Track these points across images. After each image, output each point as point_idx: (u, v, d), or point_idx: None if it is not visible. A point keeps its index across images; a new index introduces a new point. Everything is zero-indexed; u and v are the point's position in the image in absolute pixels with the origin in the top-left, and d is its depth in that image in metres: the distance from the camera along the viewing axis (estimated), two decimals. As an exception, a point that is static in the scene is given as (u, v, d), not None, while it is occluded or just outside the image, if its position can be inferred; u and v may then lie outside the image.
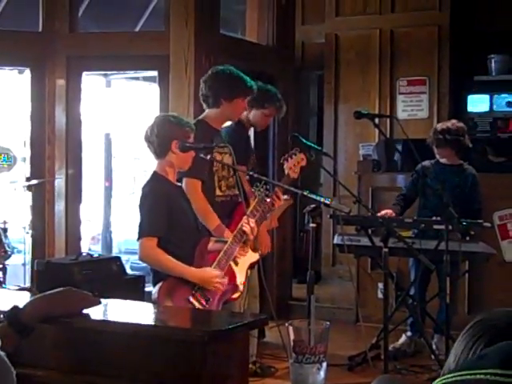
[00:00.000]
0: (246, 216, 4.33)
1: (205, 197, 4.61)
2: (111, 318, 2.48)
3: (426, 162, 5.87)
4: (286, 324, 2.22)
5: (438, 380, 1.10)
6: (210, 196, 4.67)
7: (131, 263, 8.86)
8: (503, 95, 7.67)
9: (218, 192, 4.78)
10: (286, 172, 4.81)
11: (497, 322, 1.28)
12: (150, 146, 4.14)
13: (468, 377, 1.03)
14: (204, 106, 4.90)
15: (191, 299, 4.03)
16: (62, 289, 2.44)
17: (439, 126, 5.86)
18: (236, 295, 4.44)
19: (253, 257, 4.59)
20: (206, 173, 4.65)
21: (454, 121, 6.04)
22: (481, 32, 7.87)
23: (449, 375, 1.07)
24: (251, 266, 4.73)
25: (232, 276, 4.34)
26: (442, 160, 5.88)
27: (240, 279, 4.43)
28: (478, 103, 7.79)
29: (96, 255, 6.38)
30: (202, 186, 4.63)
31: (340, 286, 7.66)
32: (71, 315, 2.25)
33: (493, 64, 7.81)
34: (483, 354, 1.07)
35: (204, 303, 4.08)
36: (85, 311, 2.29)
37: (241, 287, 4.49)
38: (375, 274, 6.56)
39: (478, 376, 1.02)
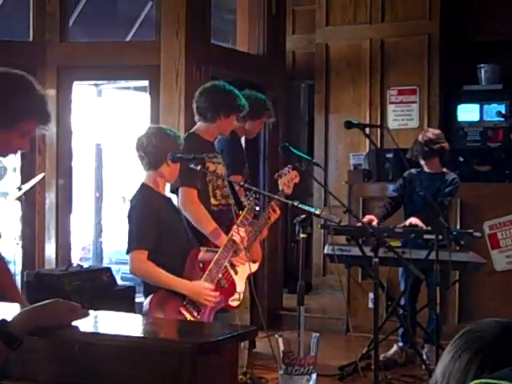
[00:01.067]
0: (235, 226, 4.34)
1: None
2: (100, 329, 2.46)
3: (413, 170, 5.91)
4: (276, 335, 2.21)
5: (475, 382, 1.08)
6: (205, 205, 4.70)
7: (122, 274, 8.82)
8: (493, 105, 7.70)
9: (213, 201, 4.80)
10: (281, 188, 4.83)
11: (483, 334, 1.31)
12: (144, 157, 4.14)
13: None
14: (197, 118, 4.91)
15: (182, 311, 4.03)
16: (50, 300, 2.43)
17: (422, 139, 5.86)
18: (235, 303, 4.45)
19: (252, 267, 4.59)
20: (200, 182, 4.67)
21: (430, 129, 6.12)
22: (470, 41, 7.91)
23: (481, 380, 1.06)
24: (249, 277, 4.73)
25: (231, 284, 4.35)
26: (428, 170, 5.91)
27: (240, 288, 4.44)
28: (467, 113, 7.83)
29: (86, 266, 6.36)
30: (198, 195, 4.66)
31: (331, 296, 7.66)
32: (60, 327, 2.24)
33: (482, 73, 7.85)
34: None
35: (195, 314, 4.08)
36: (74, 323, 2.28)
37: (240, 296, 4.50)
38: (366, 283, 6.55)
39: None
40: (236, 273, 4.51)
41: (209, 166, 4.65)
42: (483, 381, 1.08)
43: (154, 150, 4.09)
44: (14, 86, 2.48)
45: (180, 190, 4.63)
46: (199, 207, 4.63)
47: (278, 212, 4.83)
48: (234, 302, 4.47)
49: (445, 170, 5.96)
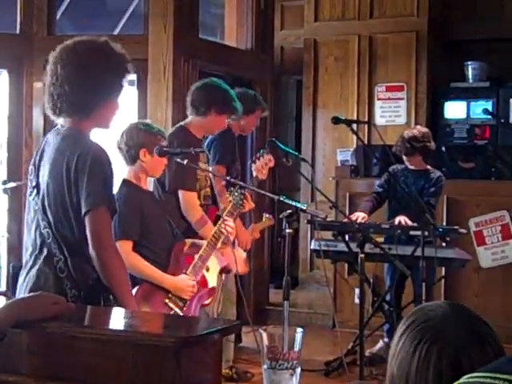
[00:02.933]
0: (222, 219, 4.35)
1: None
2: (82, 322, 2.46)
3: (398, 166, 5.92)
4: (260, 330, 2.22)
5: (466, 376, 1.09)
6: None
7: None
8: (480, 102, 7.73)
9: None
10: (254, 174, 4.86)
11: (433, 323, 1.35)
12: (121, 153, 4.17)
13: (489, 380, 1.02)
14: (190, 111, 4.94)
15: (169, 303, 4.04)
16: (34, 293, 2.43)
17: (406, 135, 5.87)
18: (208, 301, 4.45)
19: (221, 261, 4.61)
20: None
21: (418, 127, 6.13)
22: (458, 39, 7.94)
23: (475, 374, 1.06)
24: (226, 271, 4.73)
25: (203, 282, 4.34)
26: (411, 166, 5.93)
27: (211, 284, 4.44)
28: (454, 110, 7.85)
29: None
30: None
31: (317, 292, 7.67)
32: (43, 320, 2.24)
33: (470, 71, 7.87)
34: (510, 358, 1.06)
35: (182, 305, 4.08)
36: (57, 316, 2.28)
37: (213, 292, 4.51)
38: (352, 279, 6.57)
39: (496, 381, 1.01)
40: (207, 270, 4.52)
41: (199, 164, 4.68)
42: (475, 375, 1.08)
43: (125, 146, 4.13)
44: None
45: (180, 193, 4.69)
46: (199, 212, 4.69)
47: (250, 202, 4.80)
48: (207, 300, 4.47)
49: (429, 167, 5.97)
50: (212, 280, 4.47)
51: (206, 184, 4.84)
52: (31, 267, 2.95)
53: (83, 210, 2.81)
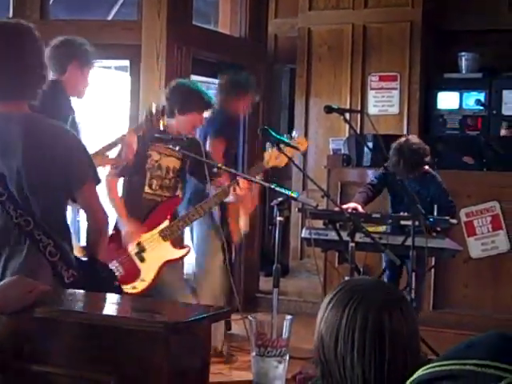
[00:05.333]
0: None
1: (132, 191, 4.80)
2: (72, 308, 2.47)
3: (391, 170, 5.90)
4: (249, 317, 2.23)
5: (424, 368, 1.11)
6: (137, 192, 4.77)
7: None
8: (472, 93, 7.74)
9: (147, 189, 4.81)
10: (266, 159, 4.84)
11: (360, 288, 1.59)
12: None
13: (457, 367, 1.04)
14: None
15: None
16: (12, 278, 2.41)
17: (405, 159, 5.56)
18: (133, 291, 4.48)
19: (170, 253, 4.64)
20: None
21: (413, 144, 5.68)
22: (452, 29, 7.94)
23: (436, 363, 1.09)
24: (169, 263, 4.72)
25: (131, 270, 4.45)
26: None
27: (144, 275, 4.48)
28: (447, 100, 7.86)
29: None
30: (131, 181, 4.80)
31: (307, 280, 7.69)
32: (24, 307, 2.24)
33: (463, 62, 7.89)
34: (470, 342, 1.09)
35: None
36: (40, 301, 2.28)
37: (142, 285, 4.54)
38: (342, 268, 6.57)
39: (466, 367, 1.03)
40: (142, 260, 4.56)
41: (151, 155, 4.75)
42: (441, 363, 1.10)
43: None
44: None
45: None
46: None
47: (243, 188, 4.75)
48: (130, 289, 4.48)
49: (425, 169, 5.94)
50: (148, 272, 4.50)
51: (166, 176, 4.82)
52: (6, 261, 2.87)
53: (76, 187, 2.86)
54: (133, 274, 4.51)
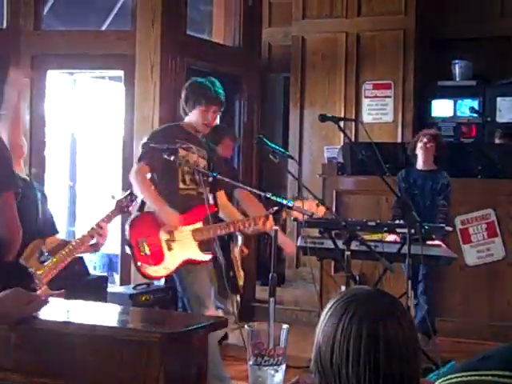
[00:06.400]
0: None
1: (164, 187, 4.82)
2: (70, 319, 2.46)
3: (403, 171, 6.22)
4: (246, 326, 2.22)
5: (441, 380, 1.11)
6: (171, 187, 4.81)
7: (94, 263, 8.80)
8: (466, 100, 7.76)
9: (181, 185, 4.85)
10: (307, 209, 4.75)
11: (357, 298, 1.59)
12: None
13: (475, 377, 1.05)
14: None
15: None
16: (9, 291, 2.40)
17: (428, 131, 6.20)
18: (153, 274, 4.57)
19: (195, 253, 4.68)
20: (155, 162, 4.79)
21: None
22: (445, 38, 7.96)
23: (453, 375, 1.09)
24: (189, 262, 4.75)
25: (156, 255, 4.56)
26: (419, 166, 6.03)
27: (167, 264, 4.53)
28: (441, 108, 7.88)
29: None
30: (164, 176, 4.82)
31: (303, 289, 7.68)
32: (21, 319, 2.23)
33: (457, 69, 7.90)
34: (488, 355, 1.09)
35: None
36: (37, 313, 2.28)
37: (163, 272, 4.62)
38: (338, 276, 6.58)
39: (483, 377, 1.03)
40: (170, 249, 4.61)
41: (178, 151, 4.76)
42: (458, 374, 1.10)
43: None
44: None
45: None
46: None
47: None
48: (150, 271, 4.58)
49: (436, 167, 6.11)
50: (170, 262, 4.56)
51: (193, 170, 4.87)
52: None
53: None
54: (157, 257, 4.57)
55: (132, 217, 4.76)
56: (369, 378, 1.51)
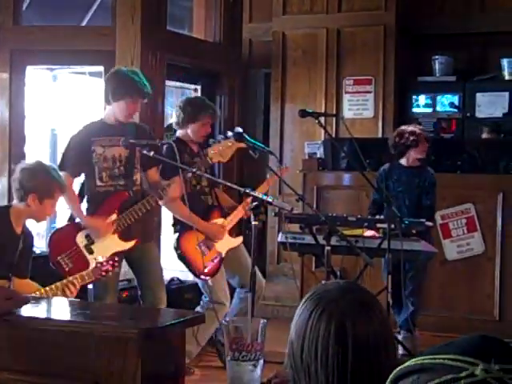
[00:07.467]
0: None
1: (87, 187, 4.97)
2: (47, 315, 2.45)
3: (386, 166, 6.04)
4: (223, 321, 2.22)
5: (404, 364, 1.13)
6: (90, 187, 4.97)
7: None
8: (446, 96, 7.79)
9: (98, 183, 4.95)
10: (210, 155, 4.95)
11: (328, 294, 1.59)
12: (13, 185, 4.18)
13: (429, 361, 1.07)
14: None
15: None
16: None
17: (403, 130, 6.05)
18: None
19: (118, 245, 4.78)
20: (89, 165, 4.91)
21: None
22: (425, 33, 7.99)
23: (413, 359, 1.11)
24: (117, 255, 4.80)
25: (82, 263, 4.60)
26: (403, 162, 6.01)
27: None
28: (421, 103, 7.90)
29: (39, 252, 6.29)
30: (85, 176, 4.99)
31: (284, 284, 7.68)
32: (1, 313, 2.23)
33: (437, 65, 7.93)
34: (450, 341, 1.12)
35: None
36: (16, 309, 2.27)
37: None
38: (319, 272, 6.58)
39: (436, 360, 1.06)
40: (91, 252, 4.66)
41: (94, 150, 4.90)
42: (406, 364, 1.12)
43: (18, 183, 4.12)
44: None
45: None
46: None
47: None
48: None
49: (422, 163, 6.08)
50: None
51: (114, 166, 4.99)
52: None
53: None
54: (81, 265, 4.57)
55: (49, 236, 4.86)
56: (337, 375, 1.50)
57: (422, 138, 5.98)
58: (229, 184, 4.64)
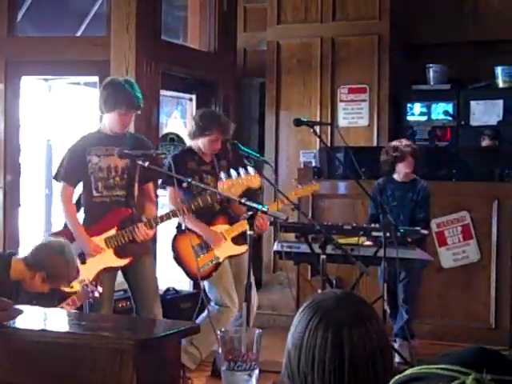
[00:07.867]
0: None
1: (83, 198, 4.95)
2: (43, 326, 2.45)
3: (380, 180, 6.04)
4: (218, 331, 2.22)
5: (401, 374, 1.14)
6: (87, 197, 4.94)
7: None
8: (441, 104, 7.81)
9: (94, 193, 4.92)
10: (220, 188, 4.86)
11: (325, 303, 1.58)
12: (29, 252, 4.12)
13: (425, 370, 1.08)
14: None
15: None
16: None
17: (390, 145, 6.07)
18: (70, 289, 4.52)
19: (111, 261, 4.76)
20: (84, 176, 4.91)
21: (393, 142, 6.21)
22: (419, 42, 8.01)
23: (411, 369, 1.12)
24: (107, 271, 4.80)
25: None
26: (396, 177, 6.02)
27: (83, 278, 4.55)
28: (416, 112, 7.92)
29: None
30: (82, 186, 4.96)
31: (280, 293, 7.68)
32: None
33: (431, 73, 7.95)
34: (448, 353, 1.13)
35: None
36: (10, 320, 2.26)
37: (79, 286, 4.57)
38: (315, 280, 6.58)
39: (431, 370, 1.07)
40: (83, 262, 4.70)
41: (90, 160, 4.88)
42: (403, 374, 1.13)
43: (33, 258, 4.06)
44: None
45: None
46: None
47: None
48: (66, 289, 4.48)
49: (415, 176, 6.08)
50: (85, 275, 4.59)
51: (109, 176, 4.99)
52: None
53: None
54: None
55: None
56: None
57: (405, 152, 5.97)
58: (224, 193, 4.63)
